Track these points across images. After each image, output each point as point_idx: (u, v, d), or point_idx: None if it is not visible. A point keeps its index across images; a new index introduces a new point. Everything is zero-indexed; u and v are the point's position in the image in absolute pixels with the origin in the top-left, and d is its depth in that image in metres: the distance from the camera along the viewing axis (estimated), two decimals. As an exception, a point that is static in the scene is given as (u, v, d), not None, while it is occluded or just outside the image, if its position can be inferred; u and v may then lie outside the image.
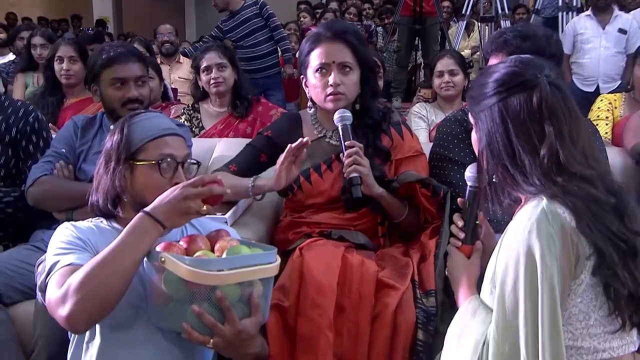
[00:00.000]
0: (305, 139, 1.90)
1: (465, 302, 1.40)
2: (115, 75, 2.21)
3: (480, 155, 1.37)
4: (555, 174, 1.25)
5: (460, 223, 1.51)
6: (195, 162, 1.68)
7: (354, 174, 1.91)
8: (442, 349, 1.71)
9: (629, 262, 1.24)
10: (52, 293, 1.41)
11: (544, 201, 1.22)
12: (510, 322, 1.22)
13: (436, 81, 3.55)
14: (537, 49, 1.92)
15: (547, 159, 1.26)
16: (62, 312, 1.37)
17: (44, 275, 1.49)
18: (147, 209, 1.43)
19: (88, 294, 1.35)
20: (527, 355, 1.19)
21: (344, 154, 1.94)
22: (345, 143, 1.94)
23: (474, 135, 1.42)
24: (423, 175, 2.06)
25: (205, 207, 1.43)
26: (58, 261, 1.46)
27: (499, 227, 1.90)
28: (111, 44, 2.38)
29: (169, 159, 1.57)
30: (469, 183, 1.50)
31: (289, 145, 1.90)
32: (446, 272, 1.55)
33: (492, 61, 2.00)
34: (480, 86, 1.36)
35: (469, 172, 1.50)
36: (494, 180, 1.35)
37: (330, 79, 1.99)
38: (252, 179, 2.03)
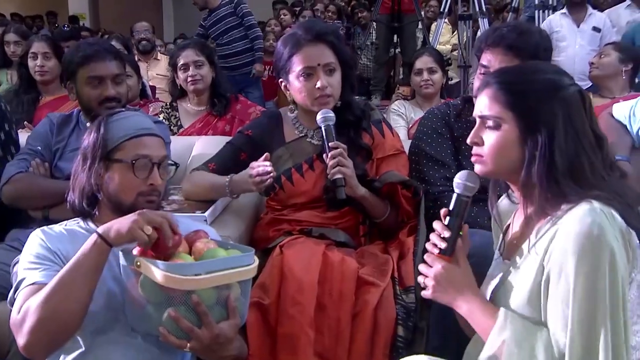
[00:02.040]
0: (269, 168, 1.89)
1: (501, 318, 1.27)
2: (92, 74, 2.18)
3: (532, 155, 1.28)
4: (608, 173, 1.28)
5: (447, 233, 1.38)
6: (172, 163, 1.67)
7: (338, 176, 1.90)
8: (421, 344, 1.73)
9: None
10: (14, 315, 1.40)
11: (596, 204, 1.20)
12: (588, 328, 1.18)
13: (415, 79, 3.57)
14: (533, 43, 1.94)
15: (605, 159, 1.28)
16: (20, 341, 1.37)
17: (12, 292, 1.49)
18: (99, 228, 1.43)
19: (42, 325, 1.34)
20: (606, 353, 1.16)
21: (327, 154, 1.93)
22: (330, 144, 1.93)
23: (501, 133, 1.31)
24: (404, 174, 2.07)
25: (149, 227, 1.37)
26: (24, 278, 1.45)
27: (475, 225, 1.92)
28: (87, 41, 2.35)
29: (145, 160, 1.56)
30: (457, 191, 1.39)
31: (256, 169, 1.90)
32: (422, 281, 1.40)
33: (487, 56, 1.98)
34: (533, 82, 1.31)
35: (460, 180, 1.38)
36: (534, 181, 1.28)
37: (319, 83, 1.97)
38: (227, 178, 2.02)
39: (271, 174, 1.89)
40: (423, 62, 3.54)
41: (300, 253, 1.83)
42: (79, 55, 2.20)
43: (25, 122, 3.12)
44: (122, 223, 1.40)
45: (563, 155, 1.25)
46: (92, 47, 2.23)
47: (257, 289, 1.77)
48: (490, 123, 1.33)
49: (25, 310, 1.37)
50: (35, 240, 1.54)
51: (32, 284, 1.42)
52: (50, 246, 1.52)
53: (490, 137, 1.33)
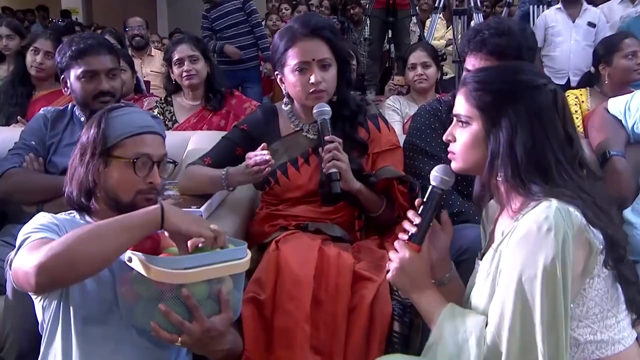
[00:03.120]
0: (267, 157, 1.89)
1: (446, 310, 1.36)
2: (85, 68, 2.17)
3: (494, 154, 1.32)
4: (576, 172, 1.29)
5: (417, 220, 1.46)
6: (171, 161, 1.66)
7: (333, 170, 1.90)
8: (417, 340, 1.74)
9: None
10: (22, 255, 1.37)
11: (554, 201, 1.22)
12: (524, 320, 1.21)
13: (409, 74, 3.57)
14: (516, 44, 1.93)
15: (574, 158, 1.30)
16: (30, 265, 1.31)
17: (13, 253, 1.45)
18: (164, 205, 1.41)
19: (60, 253, 1.29)
20: (543, 349, 1.18)
21: (323, 148, 1.93)
22: (325, 138, 1.93)
23: (468, 134, 1.38)
24: (400, 169, 2.07)
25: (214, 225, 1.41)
26: (29, 237, 1.42)
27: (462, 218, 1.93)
28: (81, 35, 2.33)
29: (145, 158, 1.55)
30: (433, 183, 1.46)
31: (254, 158, 1.89)
32: (388, 266, 1.48)
33: (471, 60, 1.99)
34: (495, 87, 1.35)
35: (436, 172, 1.46)
36: (498, 179, 1.33)
37: (312, 78, 1.97)
38: (223, 170, 2.01)
39: (269, 163, 1.89)
40: (417, 57, 3.54)
41: (296, 248, 1.83)
42: (73, 49, 2.19)
43: (18, 117, 3.10)
44: (186, 216, 1.40)
45: (527, 153, 1.28)
46: (87, 41, 2.21)
47: (253, 284, 1.77)
48: (462, 121, 1.39)
49: (47, 246, 1.32)
50: (41, 217, 1.52)
51: (42, 238, 1.40)
52: (57, 222, 1.51)
53: (461, 135, 1.40)
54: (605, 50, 3.16)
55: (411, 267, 1.43)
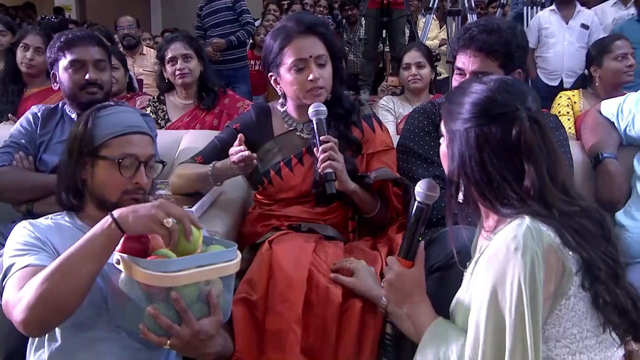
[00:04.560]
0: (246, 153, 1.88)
1: (430, 329, 1.38)
2: (72, 58, 2.17)
3: (452, 172, 1.33)
4: (534, 204, 1.24)
5: (405, 236, 1.48)
6: (160, 161, 1.65)
7: (329, 170, 1.89)
8: (409, 343, 1.73)
9: (615, 280, 1.24)
10: (10, 295, 1.37)
11: (526, 219, 1.20)
12: (497, 341, 1.20)
13: (403, 74, 3.57)
14: (504, 42, 1.94)
15: (529, 192, 1.25)
16: (17, 316, 1.34)
17: (0, 277, 1.45)
18: (114, 212, 1.38)
19: (42, 301, 1.31)
20: None
21: (317, 148, 1.91)
22: (320, 138, 1.91)
23: (443, 148, 1.39)
24: (394, 170, 2.06)
25: (170, 219, 1.35)
26: (14, 263, 1.42)
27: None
28: (71, 30, 2.34)
29: (131, 159, 1.53)
30: (417, 199, 1.45)
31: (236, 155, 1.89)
32: (382, 284, 1.50)
33: (460, 58, 2.00)
34: (458, 104, 1.32)
35: (419, 188, 1.45)
36: (459, 197, 1.33)
37: (311, 75, 1.95)
38: (210, 166, 2.01)
39: (252, 157, 1.88)
40: (411, 57, 3.54)
41: (289, 249, 1.81)
42: (61, 41, 2.20)
43: (9, 115, 3.08)
44: (140, 213, 1.35)
45: (481, 177, 1.27)
46: (75, 33, 2.24)
47: (245, 284, 1.76)
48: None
49: (26, 288, 1.33)
50: (22, 231, 1.51)
51: (26, 266, 1.39)
52: (39, 235, 1.50)
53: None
54: (596, 52, 3.18)
55: (400, 282, 1.46)
